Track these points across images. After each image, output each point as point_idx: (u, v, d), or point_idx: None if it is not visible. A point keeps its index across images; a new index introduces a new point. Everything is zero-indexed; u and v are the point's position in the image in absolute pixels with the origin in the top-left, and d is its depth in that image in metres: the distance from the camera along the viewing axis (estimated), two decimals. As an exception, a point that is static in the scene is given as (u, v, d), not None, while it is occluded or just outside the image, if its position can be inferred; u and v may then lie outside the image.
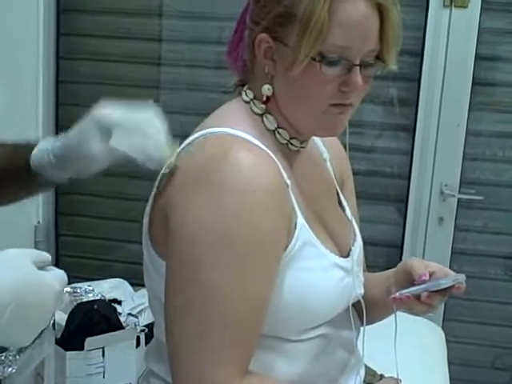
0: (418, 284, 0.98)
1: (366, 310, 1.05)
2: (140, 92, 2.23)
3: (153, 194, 0.99)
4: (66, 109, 2.27)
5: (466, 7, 1.97)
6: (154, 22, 2.20)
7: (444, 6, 1.98)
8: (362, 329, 1.09)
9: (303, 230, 0.94)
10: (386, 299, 1.00)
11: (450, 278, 0.99)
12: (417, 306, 0.98)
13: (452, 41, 1.99)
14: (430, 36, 2.01)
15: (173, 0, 2.18)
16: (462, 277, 0.99)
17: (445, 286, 0.97)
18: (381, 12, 0.91)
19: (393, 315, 1.03)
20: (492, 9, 2.00)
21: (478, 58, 2.01)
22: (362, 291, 1.07)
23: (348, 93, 0.93)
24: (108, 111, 0.93)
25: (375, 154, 2.17)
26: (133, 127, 0.92)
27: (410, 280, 1.00)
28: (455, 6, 1.97)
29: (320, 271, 0.96)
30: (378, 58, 0.94)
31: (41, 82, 2.14)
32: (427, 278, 0.98)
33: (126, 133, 0.92)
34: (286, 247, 0.92)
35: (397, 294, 0.97)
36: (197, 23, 2.17)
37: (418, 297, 0.97)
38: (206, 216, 0.86)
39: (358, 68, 0.91)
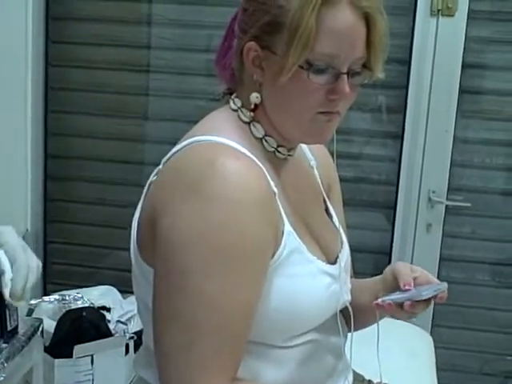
0: (403, 291, 0.99)
1: (353, 316, 1.06)
2: (129, 99, 2.24)
3: (141, 201, 1.00)
4: (55, 116, 2.27)
5: (452, 16, 1.99)
6: (143, 29, 2.21)
7: (431, 14, 2.00)
8: (349, 335, 1.10)
9: (290, 238, 0.94)
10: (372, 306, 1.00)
11: (432, 287, 0.99)
12: (399, 313, 0.99)
13: (439, 49, 2.01)
14: (417, 44, 2.02)
15: (162, 8, 2.19)
16: (443, 286, 0.99)
17: (427, 297, 0.98)
18: (368, 21, 0.92)
19: (380, 321, 1.04)
20: (478, 18, 2.03)
21: (465, 66, 2.03)
22: (350, 298, 1.07)
23: (335, 101, 0.93)
24: None
25: (363, 161, 2.18)
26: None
27: (397, 285, 1.01)
28: (442, 15, 1.99)
29: (307, 278, 0.96)
30: (365, 66, 0.95)
31: (29, 88, 2.13)
32: (411, 287, 0.98)
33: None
34: (274, 254, 0.92)
35: (379, 300, 0.98)
36: (186, 31, 2.18)
37: (400, 304, 0.98)
38: (194, 224, 0.86)
39: (345, 76, 0.92)
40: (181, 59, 2.20)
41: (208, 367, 0.86)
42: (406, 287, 0.99)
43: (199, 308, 0.86)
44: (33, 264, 0.84)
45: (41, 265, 0.85)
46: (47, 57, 2.22)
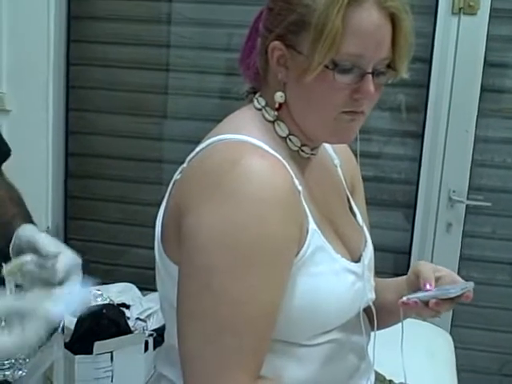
0: (426, 290, 0.99)
1: (376, 316, 1.05)
2: (148, 97, 2.25)
3: (165, 199, 1.00)
4: (76, 114, 2.28)
5: (474, 14, 1.97)
6: (162, 28, 2.21)
7: (453, 13, 1.98)
8: (372, 334, 1.10)
9: (315, 236, 0.94)
10: (397, 305, 1.00)
11: (459, 286, 0.99)
12: (424, 311, 0.98)
13: (460, 47, 2.00)
14: (438, 43, 2.01)
15: (182, 7, 2.20)
16: (470, 285, 0.99)
17: (454, 295, 0.97)
18: (393, 21, 0.92)
19: (403, 320, 1.03)
20: (501, 16, 2.01)
21: (487, 64, 2.01)
22: (373, 296, 1.07)
23: (360, 100, 0.93)
24: None
25: (383, 160, 2.17)
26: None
27: (420, 285, 1.01)
28: (464, 14, 1.97)
29: (331, 276, 0.96)
30: (389, 66, 0.94)
31: (51, 87, 2.15)
32: (432, 287, 0.98)
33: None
34: (298, 253, 0.92)
35: (404, 298, 0.98)
36: (205, 30, 2.18)
37: (426, 302, 0.97)
38: (219, 223, 0.87)
39: (370, 76, 0.92)
40: (200, 58, 2.21)
41: (231, 365, 0.87)
42: (427, 287, 0.98)
43: (223, 306, 0.86)
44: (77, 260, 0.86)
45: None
46: (68, 56, 2.23)
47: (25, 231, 0.94)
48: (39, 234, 0.94)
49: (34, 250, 0.91)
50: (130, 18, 2.21)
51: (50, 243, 0.92)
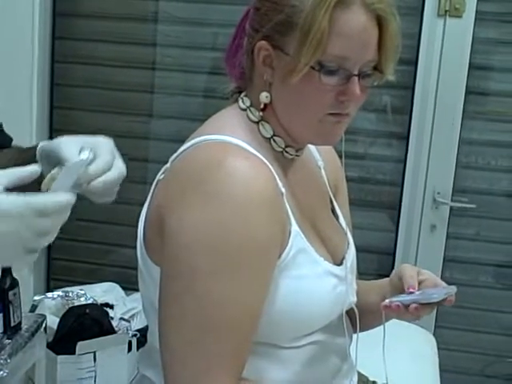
0: (409, 293, 0.99)
1: (358, 318, 1.06)
2: (134, 96, 2.24)
3: (148, 200, 0.99)
4: (60, 112, 2.27)
5: (460, 17, 1.98)
6: (149, 27, 2.20)
7: (438, 15, 1.99)
8: (354, 336, 1.10)
9: (297, 238, 0.94)
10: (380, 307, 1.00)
11: (441, 290, 0.99)
12: (405, 315, 0.99)
13: (446, 50, 2.00)
14: (424, 45, 2.02)
15: (168, 6, 2.19)
16: (453, 289, 0.99)
17: (437, 300, 0.98)
18: (380, 23, 0.92)
19: (386, 322, 1.03)
20: (486, 19, 2.02)
21: (472, 67, 2.02)
22: (355, 299, 1.07)
23: (346, 102, 0.93)
24: None
25: (368, 161, 2.18)
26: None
27: (403, 288, 1.01)
28: (450, 16, 1.98)
29: (314, 279, 0.96)
30: (375, 68, 0.94)
31: (35, 84, 2.13)
32: (415, 290, 0.98)
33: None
34: (280, 255, 0.92)
35: (387, 301, 0.98)
36: (192, 29, 2.18)
37: (407, 306, 0.98)
38: (202, 224, 0.86)
39: (356, 78, 0.92)
40: (187, 57, 2.20)
41: (213, 367, 0.86)
42: (410, 290, 0.98)
43: (206, 308, 0.86)
44: (118, 164, 0.84)
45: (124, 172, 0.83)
46: (53, 53, 2.21)
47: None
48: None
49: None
50: (116, 15, 2.20)
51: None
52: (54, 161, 0.84)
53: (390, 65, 0.94)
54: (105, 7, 2.20)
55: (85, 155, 0.81)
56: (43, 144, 0.90)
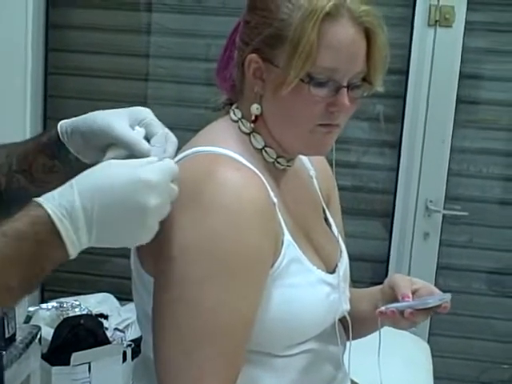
0: (404, 302, 1.00)
1: (351, 326, 1.06)
2: (128, 107, 2.24)
3: (141, 210, 1.00)
4: (54, 124, 2.25)
5: (450, 27, 2.00)
6: (142, 38, 2.22)
7: (429, 25, 2.01)
8: (348, 344, 1.10)
9: (290, 247, 0.95)
10: (372, 315, 1.01)
11: (437, 297, 1.00)
12: (400, 321, 0.99)
13: (436, 59, 2.02)
14: (415, 54, 2.04)
15: (161, 17, 2.20)
16: (448, 296, 1.00)
17: (432, 305, 0.99)
18: (368, 36, 0.93)
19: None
20: (476, 28, 2.04)
21: (462, 76, 2.04)
22: (348, 307, 1.08)
23: (335, 113, 0.94)
24: None
25: (361, 170, 2.19)
26: None
27: (395, 297, 1.02)
28: (440, 26, 2.01)
29: (307, 287, 0.97)
30: (364, 79, 0.96)
31: (29, 96, 2.14)
32: (410, 299, 0.99)
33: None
34: (273, 264, 0.93)
35: (382, 308, 0.99)
36: (184, 40, 2.19)
37: (402, 312, 0.98)
38: (193, 234, 0.87)
39: (345, 89, 0.93)
40: (179, 68, 2.21)
41: (207, 376, 0.87)
42: (405, 299, 0.99)
43: (198, 318, 0.86)
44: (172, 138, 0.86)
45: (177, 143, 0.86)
46: (46, 65, 2.22)
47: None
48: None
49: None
50: (109, 27, 2.21)
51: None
52: (94, 137, 0.87)
53: (379, 76, 0.96)
54: (98, 19, 2.21)
55: (142, 132, 0.87)
56: (65, 122, 0.92)
